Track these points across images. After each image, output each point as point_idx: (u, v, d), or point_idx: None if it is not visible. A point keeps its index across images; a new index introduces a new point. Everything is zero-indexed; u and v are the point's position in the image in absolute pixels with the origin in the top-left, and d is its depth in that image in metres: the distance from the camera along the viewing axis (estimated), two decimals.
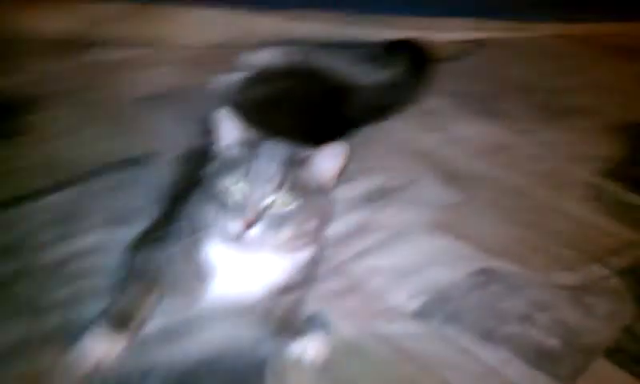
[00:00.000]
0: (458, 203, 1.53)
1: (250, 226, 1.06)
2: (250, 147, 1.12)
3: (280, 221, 1.08)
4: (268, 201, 1.08)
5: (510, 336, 1.19)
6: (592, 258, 1.37)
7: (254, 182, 1.08)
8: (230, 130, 1.14)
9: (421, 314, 1.24)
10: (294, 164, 1.10)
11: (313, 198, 1.11)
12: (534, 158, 1.70)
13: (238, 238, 1.08)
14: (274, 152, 1.11)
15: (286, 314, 1.21)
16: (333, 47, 2.20)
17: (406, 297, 1.28)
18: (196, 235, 1.17)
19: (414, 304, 1.26)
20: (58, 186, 1.52)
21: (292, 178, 1.09)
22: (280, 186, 1.08)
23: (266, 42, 2.21)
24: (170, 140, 1.72)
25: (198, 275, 1.18)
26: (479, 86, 2.01)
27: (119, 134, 1.73)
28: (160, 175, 1.59)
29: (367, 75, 1.99)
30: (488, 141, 1.76)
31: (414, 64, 1.87)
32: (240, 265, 1.15)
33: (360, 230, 1.44)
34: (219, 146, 1.17)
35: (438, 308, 1.25)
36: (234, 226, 1.07)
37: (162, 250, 1.22)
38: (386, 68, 1.96)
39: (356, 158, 1.64)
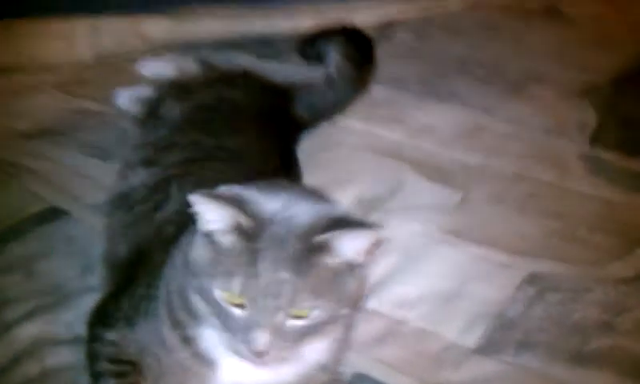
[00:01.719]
0: (460, 202, 1.32)
1: (262, 354, 0.77)
2: (248, 238, 0.78)
3: (302, 333, 0.79)
4: (282, 317, 0.77)
5: (600, 352, 1.00)
6: (632, 241, 1.22)
7: (261, 295, 0.77)
8: (217, 216, 0.80)
9: (487, 349, 1.01)
10: (310, 254, 0.78)
11: (340, 290, 0.80)
12: (512, 137, 1.52)
13: (249, 361, 0.79)
14: (281, 243, 0.78)
15: None
16: (238, 46, 1.91)
17: (458, 330, 1.04)
18: (187, 325, 0.86)
19: (473, 337, 1.03)
20: None
21: (311, 277, 0.77)
22: (294, 296, 0.77)
23: (158, 48, 1.88)
24: (83, 184, 1.36)
25: (197, 364, 0.87)
26: (419, 68, 1.80)
27: (11, 186, 1.33)
28: (84, 232, 1.24)
29: (297, 71, 1.74)
30: (454, 126, 1.56)
31: (355, 51, 1.62)
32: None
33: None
34: (204, 230, 0.82)
35: (503, 336, 1.03)
36: (244, 349, 0.78)
37: (140, 331, 0.90)
38: (318, 60, 1.71)
39: (320, 166, 1.42)
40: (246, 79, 1.52)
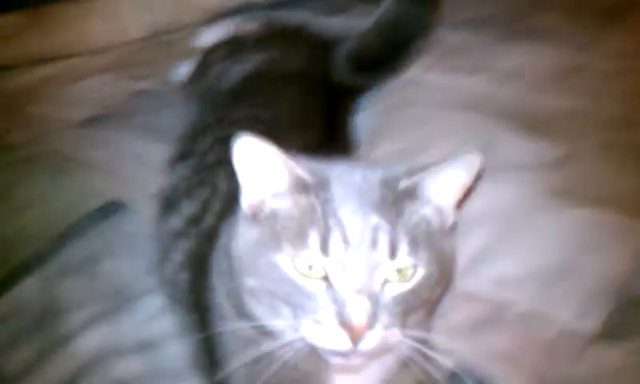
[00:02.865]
0: (563, 157, 1.14)
1: (359, 337, 0.61)
2: (316, 190, 0.65)
3: (405, 303, 0.64)
4: (379, 282, 0.63)
5: None
6: None
7: (348, 255, 0.62)
8: (268, 173, 0.67)
9: (612, 334, 0.84)
10: (398, 200, 0.65)
11: (437, 249, 0.66)
12: (615, 75, 1.32)
13: (343, 357, 0.64)
14: (361, 189, 0.65)
15: None
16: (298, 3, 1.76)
17: (574, 312, 0.88)
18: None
19: (593, 320, 0.86)
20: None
21: (405, 224, 0.64)
22: (394, 250, 0.63)
23: (211, 17, 1.75)
24: (145, 172, 1.26)
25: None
26: (494, 7, 1.60)
27: (69, 181, 1.25)
28: (146, 227, 1.13)
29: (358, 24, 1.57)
30: (546, 68, 1.37)
31: None
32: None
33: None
34: (252, 200, 0.69)
35: (630, 318, 0.86)
36: (335, 342, 0.62)
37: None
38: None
39: (393, 130, 1.26)
40: (293, 37, 1.37)
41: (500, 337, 0.87)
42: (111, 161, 1.30)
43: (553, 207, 1.03)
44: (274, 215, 0.67)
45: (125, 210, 1.18)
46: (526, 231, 0.99)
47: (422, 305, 0.67)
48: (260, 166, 0.66)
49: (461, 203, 0.71)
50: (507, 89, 1.32)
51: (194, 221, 0.92)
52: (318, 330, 0.62)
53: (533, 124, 1.21)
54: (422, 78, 1.39)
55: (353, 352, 0.62)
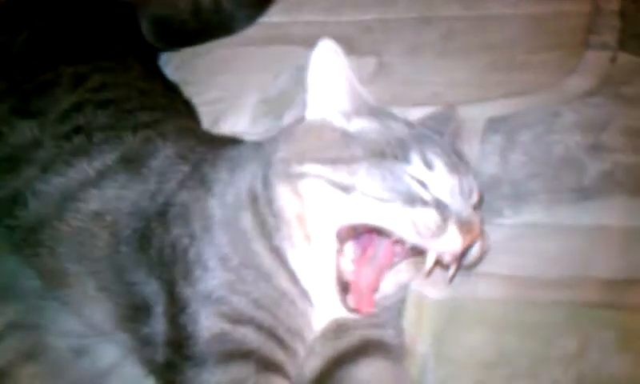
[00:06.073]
0: (374, 70, 1.11)
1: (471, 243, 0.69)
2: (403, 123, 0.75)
3: None
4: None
5: (603, 176, 0.86)
6: (576, 48, 1.08)
7: (457, 170, 0.70)
8: (343, 88, 0.74)
9: None
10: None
11: None
12: None
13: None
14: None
15: None
16: None
17: None
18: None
19: None
20: None
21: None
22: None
23: None
24: None
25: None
26: None
27: None
28: None
29: None
30: None
31: None
32: None
33: None
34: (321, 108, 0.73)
35: (491, 197, 0.85)
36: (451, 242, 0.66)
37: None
38: None
39: (203, 77, 1.17)
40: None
41: None
42: None
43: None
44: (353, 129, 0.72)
45: None
46: None
47: None
48: (335, 78, 0.73)
49: None
50: (298, 15, 1.28)
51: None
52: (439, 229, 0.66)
53: (338, 43, 1.18)
54: None
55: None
